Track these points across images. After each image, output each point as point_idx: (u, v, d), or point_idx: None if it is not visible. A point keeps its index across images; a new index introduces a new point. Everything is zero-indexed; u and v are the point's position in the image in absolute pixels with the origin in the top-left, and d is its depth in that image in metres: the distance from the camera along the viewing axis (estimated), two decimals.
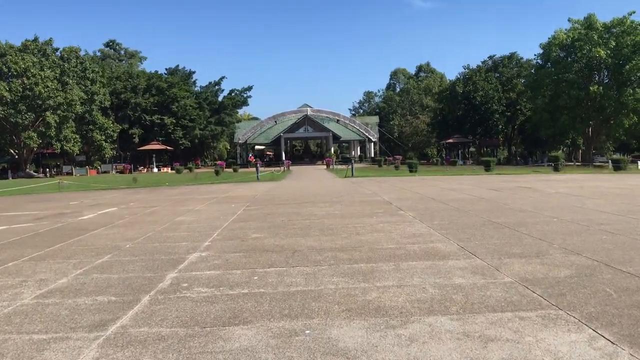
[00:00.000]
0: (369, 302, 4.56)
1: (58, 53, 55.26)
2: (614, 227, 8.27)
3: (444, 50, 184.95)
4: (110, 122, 59.75)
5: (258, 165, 40.65)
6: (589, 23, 53.51)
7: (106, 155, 60.64)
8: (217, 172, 39.86)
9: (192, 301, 4.82)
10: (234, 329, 3.99)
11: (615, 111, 53.16)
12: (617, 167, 32.68)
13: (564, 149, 70.79)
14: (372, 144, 71.44)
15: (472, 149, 73.85)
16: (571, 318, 3.97)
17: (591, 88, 51.28)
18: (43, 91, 48.50)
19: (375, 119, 78.78)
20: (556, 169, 33.37)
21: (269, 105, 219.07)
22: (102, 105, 58.29)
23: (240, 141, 70.43)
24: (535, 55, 60.69)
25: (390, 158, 60.30)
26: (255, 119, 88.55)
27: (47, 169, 57.25)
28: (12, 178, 48.49)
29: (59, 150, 54.42)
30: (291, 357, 3.40)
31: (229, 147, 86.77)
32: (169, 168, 61.67)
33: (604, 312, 4.09)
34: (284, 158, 59.98)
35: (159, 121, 65.40)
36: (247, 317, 4.29)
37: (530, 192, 15.67)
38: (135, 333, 3.99)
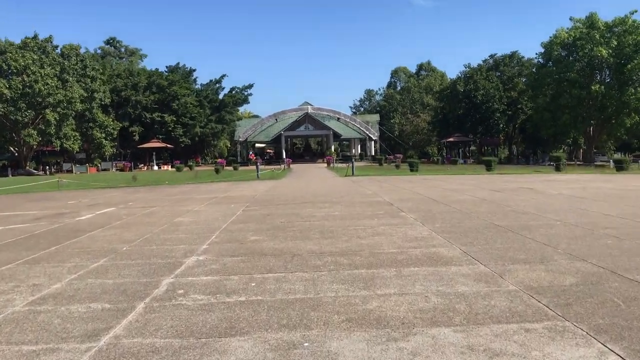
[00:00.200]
0: (370, 312, 4.43)
1: (58, 50, 55.12)
2: (619, 231, 8.13)
3: (445, 49, 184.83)
4: (111, 119, 59.60)
5: (258, 163, 40.60)
6: (590, 22, 53.32)
7: (106, 153, 60.52)
8: (217, 171, 39.74)
9: (187, 309, 4.69)
10: (230, 341, 3.86)
11: (616, 110, 53.01)
12: (620, 167, 32.51)
13: (565, 148, 70.63)
14: (373, 142, 71.27)
15: (472, 147, 73.72)
16: (579, 330, 3.83)
17: (593, 87, 51.12)
18: (43, 89, 48.35)
19: (376, 117, 78.58)
20: (558, 169, 33.21)
21: (269, 104, 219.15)
22: (102, 103, 58.14)
23: (240, 139, 70.28)
24: (536, 54, 60.56)
25: (391, 156, 60.15)
26: (256, 117, 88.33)
27: (47, 167, 57.09)
28: (12, 175, 48.36)
29: (58, 148, 54.29)
30: None
31: (229, 145, 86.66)
32: (169, 166, 61.58)
33: (613, 324, 3.95)
34: (284, 156, 59.84)
35: (159, 119, 65.26)
36: (244, 327, 4.16)
37: (532, 194, 15.53)
38: (128, 344, 3.86)
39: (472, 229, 8.69)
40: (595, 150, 60.12)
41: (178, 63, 76.44)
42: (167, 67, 75.99)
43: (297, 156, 73.99)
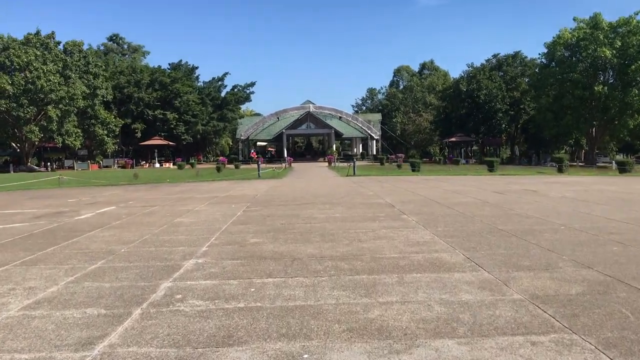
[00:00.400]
0: (371, 321, 4.32)
1: (61, 47, 55.03)
2: (624, 237, 8.02)
3: (448, 48, 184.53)
4: (113, 116, 59.53)
5: (260, 162, 40.50)
6: (594, 22, 53.08)
7: (108, 150, 60.46)
8: (218, 169, 39.66)
9: (185, 316, 4.58)
10: (227, 351, 3.76)
11: (620, 111, 52.78)
12: (623, 169, 32.33)
13: (567, 149, 70.39)
14: (375, 141, 71.11)
15: (475, 147, 73.51)
16: (587, 344, 3.72)
17: (596, 88, 50.90)
18: (45, 85, 48.30)
19: (377, 117, 78.37)
20: (560, 171, 33.06)
21: (271, 102, 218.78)
22: (105, 100, 58.07)
23: (242, 137, 70.15)
24: (539, 54, 60.31)
25: (393, 156, 59.95)
26: (258, 115, 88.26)
27: (49, 163, 57.09)
28: (14, 172, 48.38)
29: (60, 145, 54.23)
30: None
31: (231, 143, 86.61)
32: (171, 163, 61.49)
33: (622, 337, 3.84)
34: (285, 155, 59.72)
35: (161, 116, 65.18)
36: (243, 336, 4.05)
37: (535, 197, 15.41)
38: (123, 353, 3.76)
39: (475, 233, 8.57)
40: (597, 151, 59.91)
41: (180, 60, 76.33)
42: (169, 64, 75.91)
43: (299, 155, 73.86)
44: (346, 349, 3.75)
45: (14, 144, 54.55)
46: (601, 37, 51.04)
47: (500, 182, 22.60)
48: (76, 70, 53.77)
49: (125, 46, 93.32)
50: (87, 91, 53.64)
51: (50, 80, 48.78)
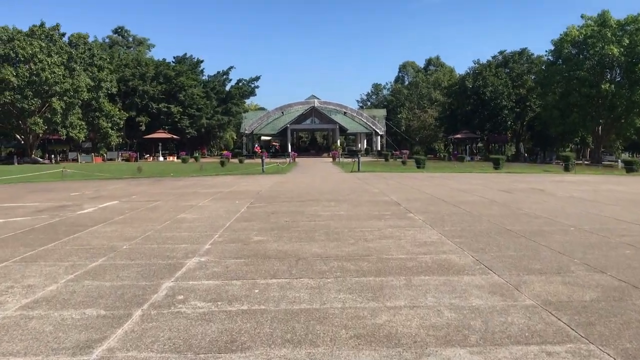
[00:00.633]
0: (379, 327, 4.17)
1: (66, 38, 54.95)
2: (636, 239, 7.84)
3: (454, 44, 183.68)
4: (117, 109, 59.44)
5: (264, 156, 40.28)
6: (602, 20, 52.64)
7: (112, 143, 60.45)
8: (222, 163, 39.51)
9: (187, 318, 4.44)
10: (230, 357, 3.62)
11: (626, 110, 52.43)
12: (630, 169, 32.02)
13: (573, 147, 70.04)
14: (379, 137, 70.86)
15: (480, 144, 73.21)
16: (605, 356, 3.56)
17: (603, 86, 50.54)
18: (50, 77, 48.24)
19: (382, 112, 78.06)
20: (567, 169, 32.80)
21: (276, 97, 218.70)
22: (109, 92, 57.99)
23: (246, 131, 69.99)
24: (546, 51, 59.84)
25: (397, 152, 59.69)
26: (262, 109, 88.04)
27: (53, 155, 57.09)
28: (18, 164, 48.39)
29: (64, 137, 54.26)
30: None
31: (235, 137, 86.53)
32: (175, 157, 61.43)
33: None
34: (290, 149, 59.56)
35: (165, 110, 65.09)
36: (246, 341, 3.91)
37: (543, 196, 15.22)
38: (122, 358, 3.62)
39: (483, 234, 8.41)
40: (602, 150, 59.58)
41: (185, 54, 76.28)
42: (174, 57, 75.84)
43: (303, 150, 73.66)
44: (354, 357, 3.60)
45: (18, 136, 54.57)
46: (609, 34, 50.63)
47: (507, 180, 22.40)
48: (81, 62, 53.69)
49: (131, 39, 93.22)
50: (92, 84, 53.58)
51: (54, 73, 48.70)
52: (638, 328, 4.10)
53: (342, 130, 66.49)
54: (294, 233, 8.63)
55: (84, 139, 56.49)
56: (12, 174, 28.73)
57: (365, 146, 72.55)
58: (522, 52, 68.10)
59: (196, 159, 53.52)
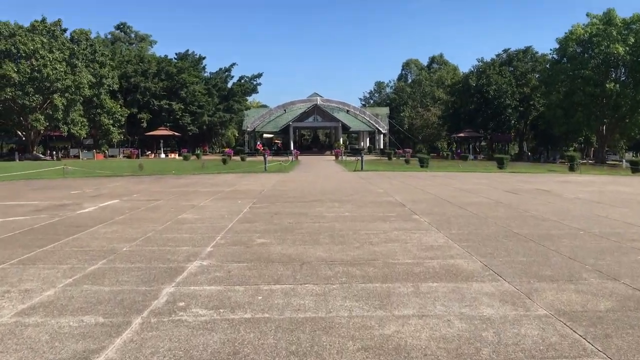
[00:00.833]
0: (388, 339, 4.00)
1: (67, 34, 54.80)
2: None
3: (458, 42, 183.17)
4: (119, 106, 59.31)
5: (266, 155, 40.14)
6: (608, 18, 52.29)
7: (114, 140, 60.34)
8: (224, 161, 39.37)
9: (188, 327, 4.29)
10: None
11: (631, 109, 52.13)
12: (636, 169, 31.77)
13: (576, 146, 69.75)
14: (382, 135, 70.62)
15: (483, 143, 72.95)
16: None
17: (607, 85, 50.22)
18: (51, 73, 48.09)
19: (385, 110, 77.80)
20: (572, 169, 32.57)
21: (278, 94, 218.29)
22: (111, 89, 57.84)
23: (248, 129, 69.76)
24: (551, 50, 59.49)
25: (400, 150, 59.46)
26: (265, 106, 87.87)
27: (55, 152, 56.99)
28: (19, 160, 48.29)
29: (66, 133, 54.15)
30: None
31: (237, 135, 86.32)
32: (177, 154, 61.28)
33: None
34: (292, 147, 59.37)
35: (167, 106, 64.97)
36: (249, 353, 3.75)
37: (549, 197, 15.03)
38: None
39: (490, 237, 8.24)
40: (606, 149, 59.29)
41: (187, 50, 76.12)
42: (176, 54, 75.70)
43: (305, 148, 73.45)
44: None
45: (19, 132, 54.46)
46: (614, 33, 50.30)
47: (511, 180, 22.21)
48: (83, 58, 53.53)
49: (133, 35, 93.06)
50: (94, 80, 53.42)
51: (56, 69, 48.55)
52: None
53: (345, 128, 66.27)
54: (297, 235, 8.46)
55: (85, 135, 56.38)
56: (14, 170, 28.62)
57: (368, 144, 72.31)
58: (527, 51, 67.73)
59: (198, 156, 53.38)
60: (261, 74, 78.38)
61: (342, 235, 8.46)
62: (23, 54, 48.55)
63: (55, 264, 6.59)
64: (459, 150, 62.76)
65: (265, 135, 75.81)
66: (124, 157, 57.67)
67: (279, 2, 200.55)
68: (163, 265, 6.48)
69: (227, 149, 63.05)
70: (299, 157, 50.86)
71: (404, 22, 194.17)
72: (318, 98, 68.41)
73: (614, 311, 4.65)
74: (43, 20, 52.20)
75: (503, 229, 9.02)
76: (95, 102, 55.86)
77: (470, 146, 66.78)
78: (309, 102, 68.14)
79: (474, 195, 15.16)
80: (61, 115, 50.23)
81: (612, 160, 58.33)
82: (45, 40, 49.73)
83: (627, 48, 49.53)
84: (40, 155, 54.03)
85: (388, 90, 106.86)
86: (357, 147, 70.55)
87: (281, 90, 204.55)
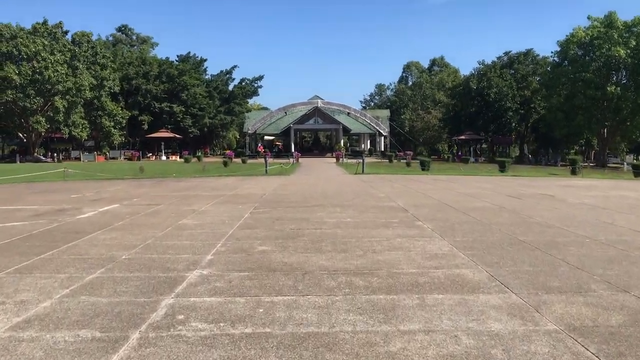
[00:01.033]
0: (394, 357, 3.87)
1: (69, 37, 54.76)
2: None
3: (459, 45, 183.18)
4: (120, 108, 59.25)
5: (267, 157, 40.02)
6: (609, 21, 52.21)
7: (115, 142, 60.26)
8: (225, 163, 39.28)
9: (186, 343, 4.15)
10: None
11: (632, 112, 52.03)
12: (638, 173, 31.59)
13: (577, 149, 69.63)
14: (383, 137, 70.54)
15: (484, 146, 72.81)
16: None
17: (608, 88, 50.12)
18: (52, 75, 48.03)
19: (386, 113, 77.74)
20: (574, 172, 32.43)
21: (279, 97, 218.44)
22: (112, 91, 57.77)
23: (249, 131, 69.69)
24: (552, 52, 59.55)
25: (401, 153, 59.34)
26: (265, 109, 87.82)
27: (56, 154, 56.93)
28: (20, 162, 48.24)
29: (67, 136, 54.09)
30: None
31: (238, 137, 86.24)
32: (178, 156, 61.18)
33: None
34: (293, 149, 59.26)
35: (168, 109, 64.88)
36: None
37: (553, 202, 14.89)
38: None
39: (495, 245, 8.10)
40: (607, 152, 59.15)
41: (189, 53, 76.02)
42: (177, 56, 75.60)
43: (306, 150, 73.35)
44: None
45: (20, 134, 54.40)
46: (615, 36, 50.21)
47: (514, 184, 22.07)
48: (84, 61, 53.47)
49: (134, 37, 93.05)
50: (95, 82, 53.36)
51: (57, 71, 48.50)
52: None
53: (346, 130, 66.17)
54: (299, 243, 8.33)
55: (86, 137, 56.30)
56: (15, 173, 28.50)
57: (368, 147, 72.22)
58: (528, 53, 67.67)
59: (199, 158, 53.28)
60: (262, 76, 78.33)
61: (345, 242, 8.33)
62: (24, 56, 48.51)
63: (53, 272, 6.47)
64: (459, 153, 62.62)
65: (266, 138, 75.74)
66: (125, 159, 57.59)
67: (281, 5, 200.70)
68: (162, 274, 6.35)
69: (228, 151, 62.96)
70: (300, 160, 50.74)
71: (405, 24, 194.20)
72: (319, 100, 68.33)
73: (626, 326, 4.52)
74: (44, 22, 52.17)
75: (508, 236, 8.88)
76: (97, 104, 55.80)
77: (471, 149, 66.64)
78: (309, 104, 68.04)
79: (476, 200, 15.02)
80: (62, 118, 50.18)
81: (613, 163, 58.22)
82: (46, 42, 49.69)
83: (628, 51, 49.44)
84: (41, 157, 53.96)
85: (389, 92, 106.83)
86: (357, 149, 70.48)
87: (282, 93, 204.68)
